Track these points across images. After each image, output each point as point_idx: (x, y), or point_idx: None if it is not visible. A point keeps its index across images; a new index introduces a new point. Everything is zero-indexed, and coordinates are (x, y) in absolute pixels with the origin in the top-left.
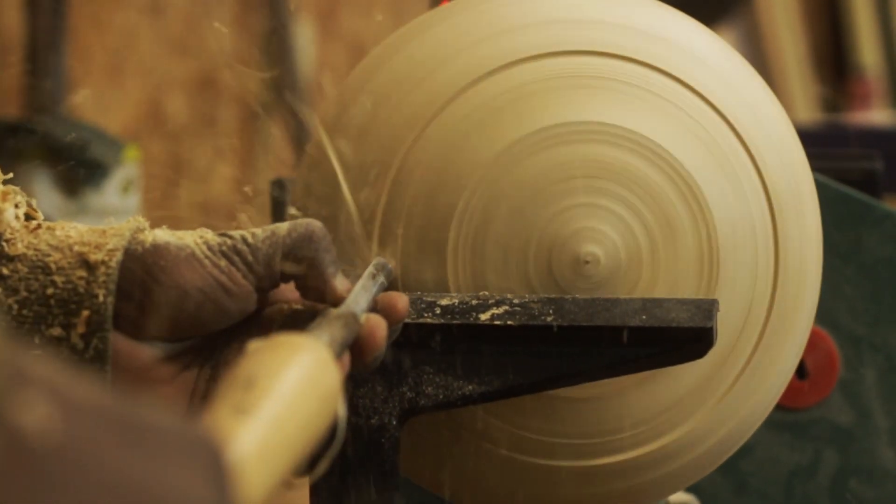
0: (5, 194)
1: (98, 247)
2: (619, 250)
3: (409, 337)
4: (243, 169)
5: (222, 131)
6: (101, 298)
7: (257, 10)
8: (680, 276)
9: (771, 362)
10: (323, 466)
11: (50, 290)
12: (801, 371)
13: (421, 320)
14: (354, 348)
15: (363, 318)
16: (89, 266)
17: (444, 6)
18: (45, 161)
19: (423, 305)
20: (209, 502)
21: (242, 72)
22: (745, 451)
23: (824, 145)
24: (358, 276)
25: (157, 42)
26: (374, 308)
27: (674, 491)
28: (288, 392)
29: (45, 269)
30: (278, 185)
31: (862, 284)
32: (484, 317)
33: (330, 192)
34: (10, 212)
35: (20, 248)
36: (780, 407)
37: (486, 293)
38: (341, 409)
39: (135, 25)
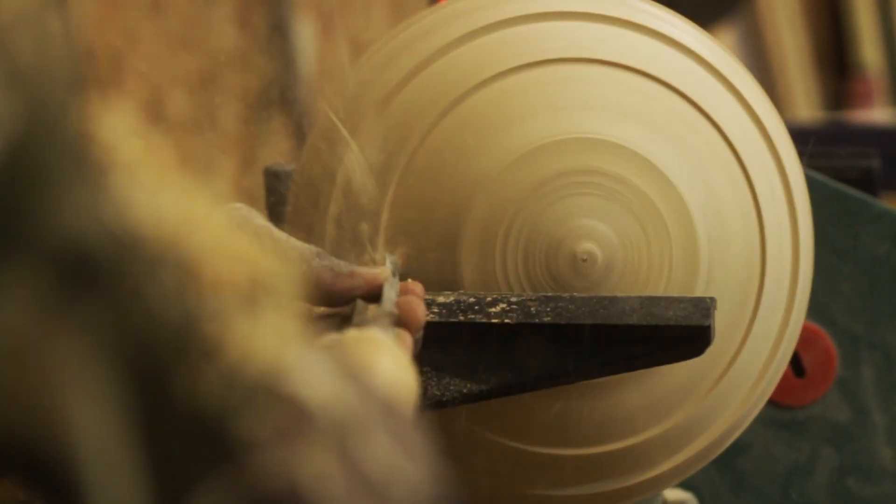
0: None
1: None
2: (616, 248)
3: None
4: (244, 166)
5: (223, 129)
6: None
7: (258, 8)
8: (676, 274)
9: (760, 356)
10: None
11: None
12: (798, 369)
13: None
14: None
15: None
16: None
17: (442, 4)
18: None
19: None
20: (425, 475)
21: (243, 70)
22: (743, 449)
23: (825, 143)
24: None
25: (157, 40)
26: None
27: (669, 486)
28: (384, 391)
29: None
30: (272, 173)
31: (859, 282)
32: (481, 315)
33: (330, 172)
34: None
35: None
36: (777, 405)
37: (484, 291)
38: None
39: (135, 24)
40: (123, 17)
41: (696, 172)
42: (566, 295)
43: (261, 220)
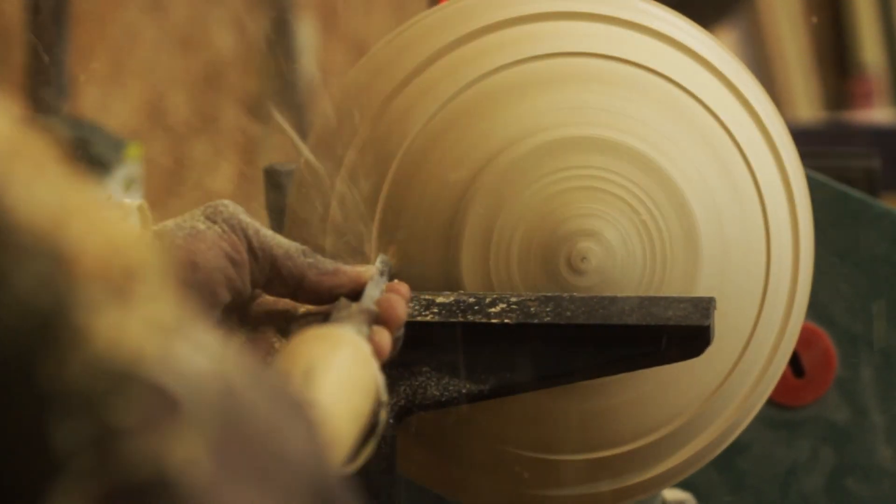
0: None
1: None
2: (616, 248)
3: (407, 335)
4: (245, 166)
5: (224, 129)
6: None
7: (258, 8)
8: (676, 274)
9: (760, 356)
10: (363, 457)
11: None
12: (797, 369)
13: (418, 318)
14: None
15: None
16: None
17: (442, 5)
18: None
19: (420, 303)
20: (322, 462)
21: (243, 70)
22: (742, 448)
23: (826, 143)
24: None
25: (158, 40)
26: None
27: (668, 485)
28: (340, 386)
29: None
30: (272, 173)
31: (859, 282)
32: (481, 315)
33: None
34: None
35: None
36: (776, 405)
37: (484, 291)
38: (384, 398)
39: (136, 23)
40: (123, 16)
41: (696, 172)
42: (566, 295)
43: (246, 216)
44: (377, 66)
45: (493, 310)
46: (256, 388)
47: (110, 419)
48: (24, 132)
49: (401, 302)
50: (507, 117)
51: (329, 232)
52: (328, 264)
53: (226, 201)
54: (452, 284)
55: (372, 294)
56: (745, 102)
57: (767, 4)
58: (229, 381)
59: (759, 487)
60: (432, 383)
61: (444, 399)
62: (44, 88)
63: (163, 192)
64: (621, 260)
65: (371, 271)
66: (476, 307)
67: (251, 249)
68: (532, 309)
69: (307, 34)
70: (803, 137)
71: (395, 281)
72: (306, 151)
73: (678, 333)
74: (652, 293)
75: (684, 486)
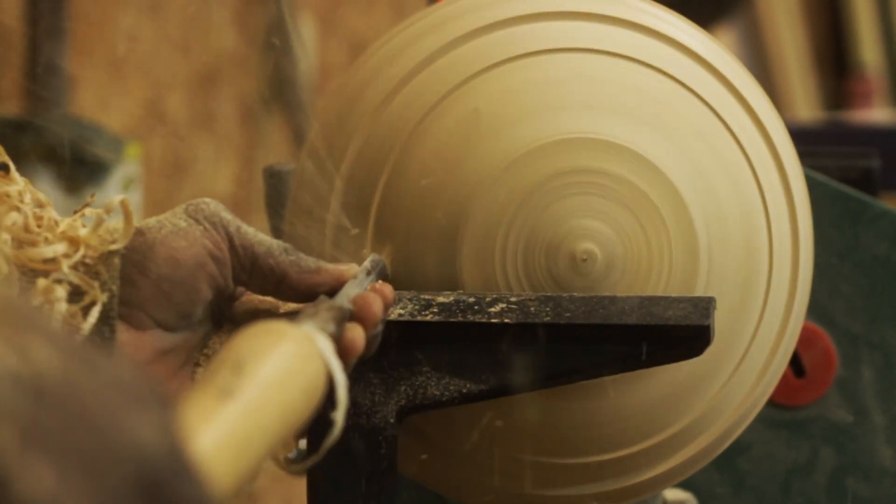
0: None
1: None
2: (616, 248)
3: (407, 335)
4: (244, 166)
5: (223, 129)
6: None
7: (258, 8)
8: (676, 273)
9: (767, 357)
10: (318, 455)
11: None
12: (798, 369)
13: (419, 318)
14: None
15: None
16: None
17: (440, 4)
18: (46, 159)
19: (420, 303)
20: (159, 451)
21: (243, 70)
22: (743, 449)
23: (825, 143)
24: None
25: (157, 40)
26: None
27: (668, 485)
28: (272, 379)
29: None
30: (271, 172)
31: (859, 282)
32: (481, 315)
33: (323, 188)
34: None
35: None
36: (777, 405)
37: (484, 291)
38: (342, 397)
39: (135, 23)
40: (123, 16)
41: (696, 172)
42: (566, 295)
43: (228, 214)
44: (376, 64)
45: (493, 309)
46: (92, 378)
47: None
48: None
49: (377, 300)
50: (507, 118)
51: (329, 232)
52: (310, 262)
53: (207, 199)
54: (452, 284)
55: (349, 292)
56: (745, 102)
57: (767, 4)
58: (51, 372)
59: (759, 487)
60: (432, 383)
61: (444, 399)
62: (44, 88)
63: (163, 192)
64: (621, 260)
65: (353, 270)
66: (476, 307)
67: (233, 247)
68: (532, 309)
69: (307, 34)
70: (803, 137)
71: (380, 282)
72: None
73: (678, 333)
74: (652, 293)
75: (685, 486)
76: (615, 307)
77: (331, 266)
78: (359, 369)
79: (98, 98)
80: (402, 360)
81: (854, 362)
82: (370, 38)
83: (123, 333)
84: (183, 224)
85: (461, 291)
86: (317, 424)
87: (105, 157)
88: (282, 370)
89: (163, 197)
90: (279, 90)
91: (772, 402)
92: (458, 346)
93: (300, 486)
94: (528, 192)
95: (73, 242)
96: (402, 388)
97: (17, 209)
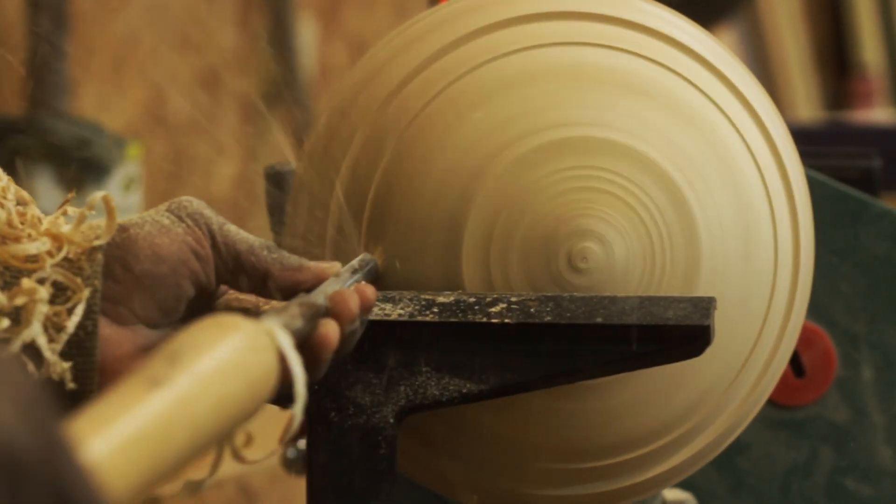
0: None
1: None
2: (616, 248)
3: (407, 335)
4: (244, 166)
5: (223, 129)
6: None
7: (259, 8)
8: (677, 273)
9: (767, 357)
10: (274, 451)
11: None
12: (797, 369)
13: (419, 318)
14: (307, 345)
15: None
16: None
17: (441, 5)
18: (47, 159)
19: (421, 303)
20: (20, 433)
21: (243, 70)
22: (742, 448)
23: (826, 143)
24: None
25: (158, 39)
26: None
27: (668, 485)
28: (208, 371)
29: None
30: (272, 172)
31: (859, 282)
32: (482, 315)
33: (324, 188)
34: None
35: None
36: (776, 405)
37: (484, 291)
38: (301, 391)
39: (136, 23)
40: (123, 16)
41: (696, 172)
42: (566, 295)
43: (211, 212)
44: (377, 65)
45: (493, 309)
46: None
47: None
48: None
49: (354, 296)
50: (507, 117)
51: (329, 232)
52: (293, 260)
53: (190, 197)
54: (453, 284)
55: (327, 289)
56: (746, 102)
57: (768, 4)
58: None
59: (759, 487)
60: (432, 383)
61: (444, 399)
62: (44, 88)
63: (163, 192)
64: (621, 260)
65: (336, 268)
66: (476, 307)
67: (215, 244)
68: (532, 309)
69: (307, 34)
70: (803, 137)
71: (363, 283)
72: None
73: (678, 333)
74: (652, 293)
75: (684, 486)
76: (615, 307)
77: (313, 264)
78: (358, 369)
79: (98, 98)
80: (402, 360)
81: (853, 362)
82: (370, 38)
83: (106, 328)
84: (166, 221)
85: (461, 291)
86: (316, 424)
87: (105, 157)
88: (222, 362)
89: (163, 197)
90: (279, 90)
91: (771, 402)
92: (459, 347)
93: (300, 486)
94: (529, 192)
95: (57, 239)
96: (402, 388)
97: (0, 206)
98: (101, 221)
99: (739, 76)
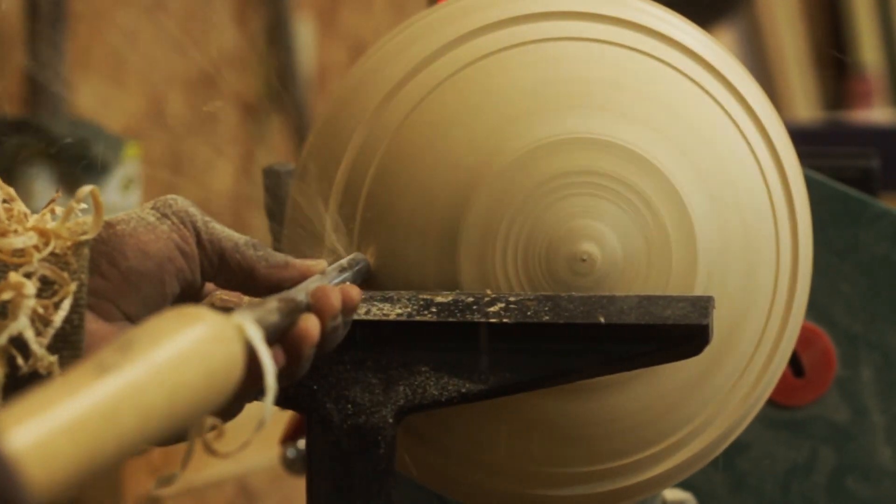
0: None
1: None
2: (615, 248)
3: (406, 335)
4: (244, 166)
5: (223, 129)
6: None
7: (257, 8)
8: (676, 273)
9: (767, 357)
10: (246, 443)
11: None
12: (797, 369)
13: (418, 318)
14: (287, 339)
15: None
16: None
17: (440, 5)
18: (46, 159)
19: (419, 303)
20: None
21: (243, 69)
22: (742, 448)
23: (825, 143)
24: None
25: (157, 39)
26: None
27: (668, 485)
28: (162, 359)
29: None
30: (271, 172)
31: (858, 282)
32: (480, 315)
33: (321, 189)
34: None
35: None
36: (776, 405)
37: (483, 291)
38: (270, 384)
39: (135, 23)
40: (123, 16)
41: (695, 172)
42: (565, 294)
43: (196, 210)
44: (375, 65)
45: (491, 309)
46: None
47: None
48: None
49: (336, 292)
50: (507, 117)
51: (327, 232)
52: (278, 257)
53: (175, 196)
54: (451, 284)
55: (309, 286)
56: (745, 102)
57: (767, 4)
58: None
59: (759, 487)
60: (431, 383)
61: (443, 399)
62: (44, 88)
63: (162, 192)
64: (621, 260)
65: (322, 265)
66: (475, 307)
67: (200, 242)
68: (531, 308)
69: (307, 34)
70: (802, 137)
71: (348, 284)
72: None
73: (677, 332)
74: (650, 293)
75: (684, 486)
76: (614, 307)
77: (299, 261)
78: (357, 369)
79: (98, 98)
80: (401, 360)
81: (853, 362)
82: (370, 38)
83: (91, 323)
84: (152, 219)
85: (460, 291)
86: (316, 424)
87: (105, 156)
88: (179, 351)
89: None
90: (279, 90)
91: (771, 402)
92: (457, 346)
93: (300, 486)
94: (528, 192)
95: (44, 234)
96: (401, 387)
97: None
98: (88, 218)
99: (738, 76)
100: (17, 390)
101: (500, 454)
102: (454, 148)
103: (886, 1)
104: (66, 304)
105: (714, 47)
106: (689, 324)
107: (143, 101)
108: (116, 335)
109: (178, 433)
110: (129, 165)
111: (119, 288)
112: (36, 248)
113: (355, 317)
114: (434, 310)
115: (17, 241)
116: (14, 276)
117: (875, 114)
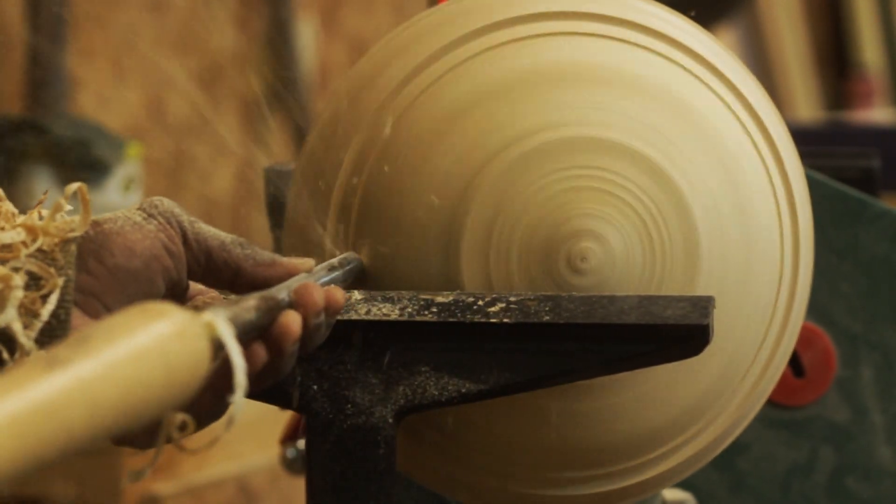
0: None
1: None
2: (615, 248)
3: (406, 335)
4: (244, 166)
5: (224, 129)
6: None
7: (258, 8)
8: (676, 273)
9: (767, 357)
10: (215, 440)
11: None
12: (797, 369)
13: (418, 318)
14: (268, 335)
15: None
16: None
17: (441, 5)
18: (47, 159)
19: (419, 303)
20: None
21: (244, 69)
22: (742, 448)
23: (826, 143)
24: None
25: (158, 40)
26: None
27: (668, 485)
28: (117, 355)
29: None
30: (272, 173)
31: (859, 282)
32: (480, 315)
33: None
34: None
35: None
36: (776, 405)
37: (483, 291)
38: (240, 380)
39: (136, 23)
40: (123, 16)
41: (696, 172)
42: (565, 294)
43: (182, 211)
44: (376, 65)
45: (492, 309)
46: None
47: None
48: None
49: (318, 289)
50: (507, 117)
51: (326, 232)
52: (265, 256)
53: (161, 197)
54: (452, 284)
55: (289, 283)
56: (746, 102)
57: (768, 5)
58: None
59: (759, 487)
60: (431, 383)
61: (443, 399)
62: (44, 88)
63: (163, 192)
64: (621, 260)
65: (309, 264)
66: (475, 307)
67: (186, 241)
68: (531, 308)
69: (307, 34)
70: (803, 137)
71: (333, 287)
72: None
73: (677, 332)
74: (651, 293)
75: (684, 486)
76: (614, 307)
77: (286, 260)
78: (357, 369)
79: (98, 98)
80: (401, 360)
81: (853, 362)
82: (370, 38)
83: (77, 319)
84: (138, 219)
85: (460, 291)
86: (315, 424)
87: (106, 157)
88: (136, 346)
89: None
90: (279, 90)
91: (771, 402)
92: (458, 346)
93: (300, 486)
94: (527, 192)
95: (31, 230)
96: (401, 388)
97: None
98: (76, 216)
99: (739, 76)
100: None
101: (500, 454)
102: (454, 148)
103: (887, 1)
104: (54, 299)
105: (715, 47)
106: (690, 324)
107: (144, 101)
108: None
109: (148, 431)
110: (129, 166)
111: (105, 285)
112: (24, 244)
113: (356, 317)
114: (434, 310)
115: (5, 237)
116: (2, 269)
117: (876, 114)
